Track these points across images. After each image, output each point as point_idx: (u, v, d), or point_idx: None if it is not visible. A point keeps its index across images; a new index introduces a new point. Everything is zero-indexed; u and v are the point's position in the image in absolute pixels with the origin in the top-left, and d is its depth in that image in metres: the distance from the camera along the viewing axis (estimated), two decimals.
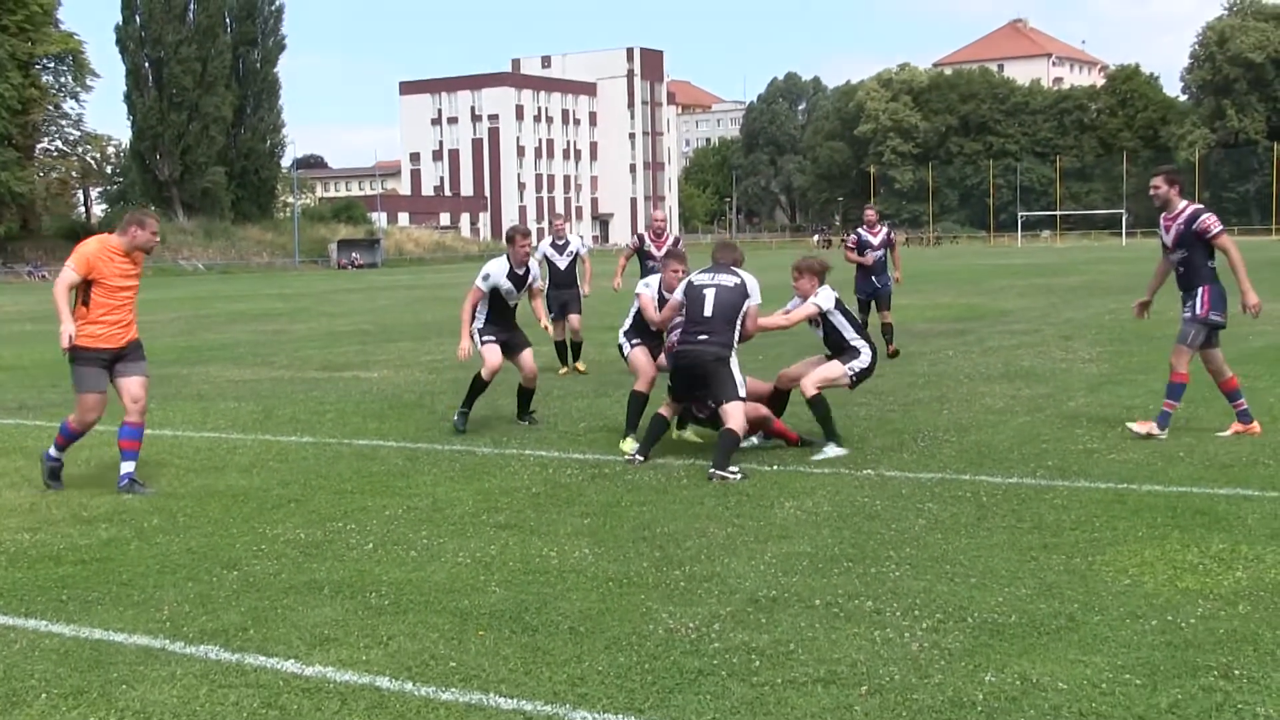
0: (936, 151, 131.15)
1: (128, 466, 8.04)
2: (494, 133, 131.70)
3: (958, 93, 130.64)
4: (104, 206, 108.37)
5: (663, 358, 9.34)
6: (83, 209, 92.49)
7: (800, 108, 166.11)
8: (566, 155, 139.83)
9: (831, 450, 8.71)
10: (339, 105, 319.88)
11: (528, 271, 10.11)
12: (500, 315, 10.03)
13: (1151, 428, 8.90)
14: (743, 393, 8.53)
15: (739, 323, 8.59)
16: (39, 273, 66.13)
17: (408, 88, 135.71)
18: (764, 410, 8.98)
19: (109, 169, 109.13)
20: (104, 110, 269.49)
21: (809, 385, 8.93)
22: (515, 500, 7.51)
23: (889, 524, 6.56)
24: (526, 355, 10.05)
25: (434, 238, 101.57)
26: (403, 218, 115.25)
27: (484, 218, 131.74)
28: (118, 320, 7.96)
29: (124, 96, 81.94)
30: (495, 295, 10.04)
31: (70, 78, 74.10)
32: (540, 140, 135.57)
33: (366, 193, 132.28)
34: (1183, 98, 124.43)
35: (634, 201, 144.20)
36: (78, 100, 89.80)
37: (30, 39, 68.99)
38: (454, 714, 4.04)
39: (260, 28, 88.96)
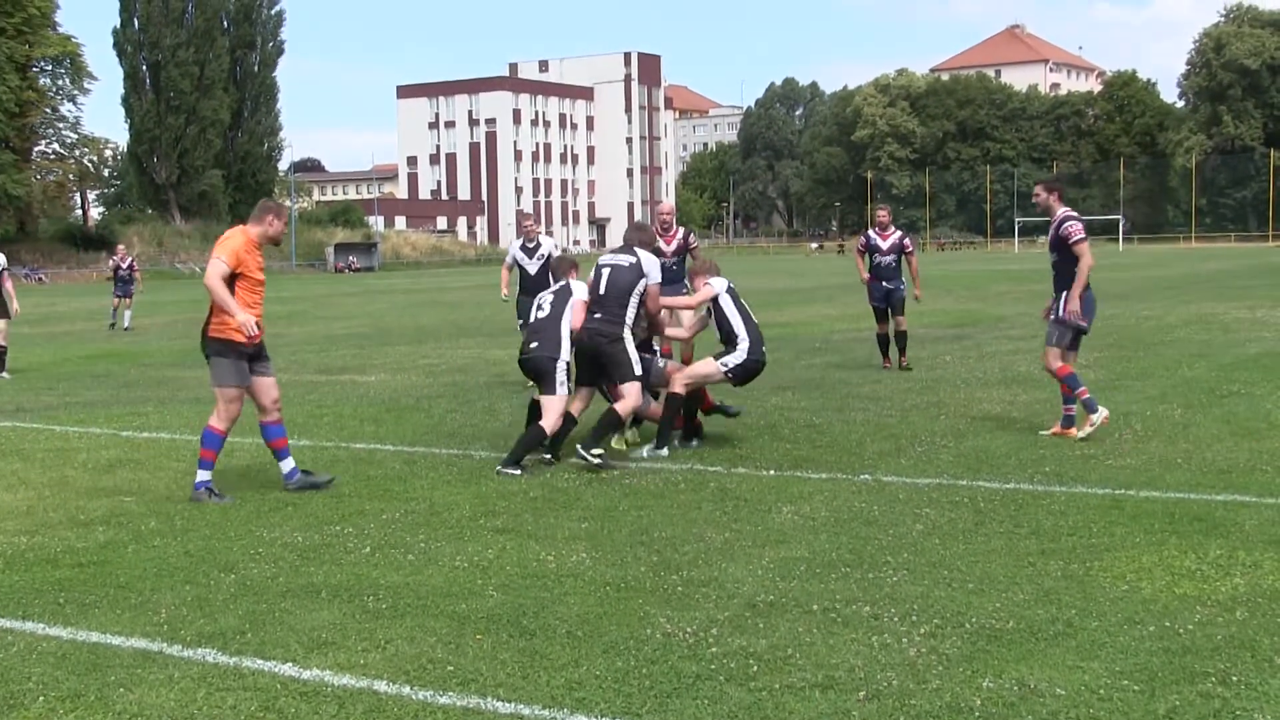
0: (934, 157, 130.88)
1: (288, 464, 7.99)
2: (491, 137, 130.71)
3: (955, 98, 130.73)
4: (101, 209, 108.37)
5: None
6: (80, 212, 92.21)
7: (798, 113, 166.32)
8: (564, 159, 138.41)
9: (649, 451, 8.90)
10: (337, 109, 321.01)
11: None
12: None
13: (1090, 420, 9.09)
14: (638, 371, 8.66)
15: (635, 303, 8.67)
16: (35, 276, 65.81)
17: (405, 91, 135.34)
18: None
19: (106, 172, 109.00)
20: (102, 113, 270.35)
21: (678, 381, 9.10)
22: (513, 504, 7.50)
23: (886, 529, 6.55)
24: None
25: (431, 242, 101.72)
26: (400, 221, 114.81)
27: (481, 222, 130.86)
28: (258, 315, 7.94)
29: (121, 99, 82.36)
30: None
31: (68, 80, 74.25)
32: (538, 144, 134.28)
33: (364, 196, 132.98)
34: (1179, 104, 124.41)
35: (631, 206, 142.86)
36: (75, 103, 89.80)
37: (28, 41, 69.06)
38: (452, 718, 4.01)
39: (259, 31, 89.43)
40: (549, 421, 8.75)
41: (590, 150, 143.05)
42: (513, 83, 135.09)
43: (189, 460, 9.13)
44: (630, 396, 8.56)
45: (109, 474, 8.63)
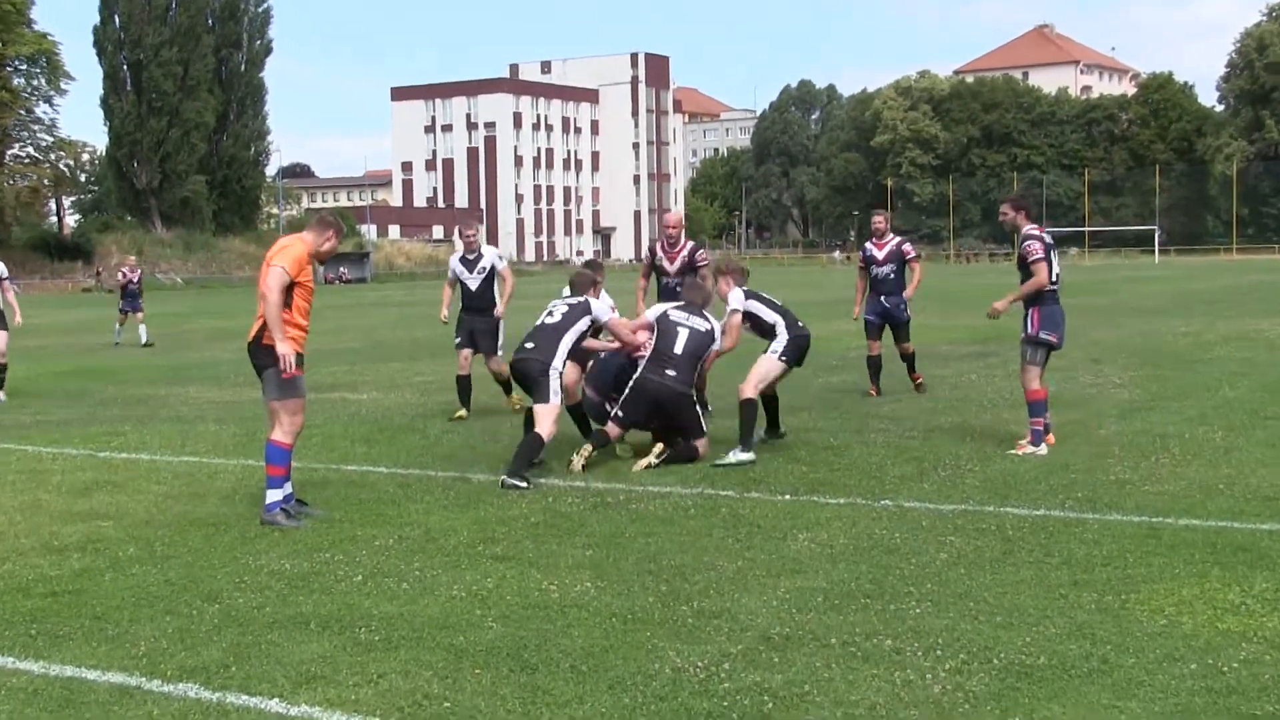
0: (958, 163, 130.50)
1: (278, 494, 7.83)
2: (490, 141, 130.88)
3: (980, 101, 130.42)
4: (77, 216, 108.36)
5: (586, 385, 10.12)
6: (55, 219, 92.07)
7: (814, 117, 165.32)
8: (567, 165, 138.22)
9: (736, 456, 9.41)
10: (328, 111, 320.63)
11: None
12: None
13: (1027, 447, 9.56)
14: (706, 428, 9.72)
15: (700, 364, 9.87)
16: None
17: (400, 94, 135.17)
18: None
19: (83, 177, 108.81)
20: (79, 115, 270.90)
21: (747, 387, 9.79)
22: (513, 530, 7.46)
23: (909, 558, 6.51)
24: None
25: (426, 251, 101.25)
26: (393, 230, 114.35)
27: (479, 231, 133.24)
28: (308, 325, 8.01)
29: (100, 100, 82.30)
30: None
31: (44, 80, 73.99)
32: (539, 149, 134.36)
33: (356, 204, 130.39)
34: (1219, 108, 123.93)
35: (638, 215, 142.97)
36: (51, 104, 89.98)
37: (1, 39, 68.75)
38: None
39: (245, 30, 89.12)
40: (545, 429, 9.11)
41: (595, 156, 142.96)
42: (513, 84, 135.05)
43: (170, 483, 9.07)
44: (701, 450, 9.52)
45: (85, 497, 8.55)
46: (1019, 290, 9.81)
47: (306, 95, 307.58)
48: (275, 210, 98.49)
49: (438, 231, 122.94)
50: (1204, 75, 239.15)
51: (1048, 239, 9.91)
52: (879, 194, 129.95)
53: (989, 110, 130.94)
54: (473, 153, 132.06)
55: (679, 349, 9.75)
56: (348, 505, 8.29)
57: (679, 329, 9.86)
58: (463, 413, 12.44)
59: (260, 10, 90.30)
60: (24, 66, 73.50)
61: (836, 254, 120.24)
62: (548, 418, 9.17)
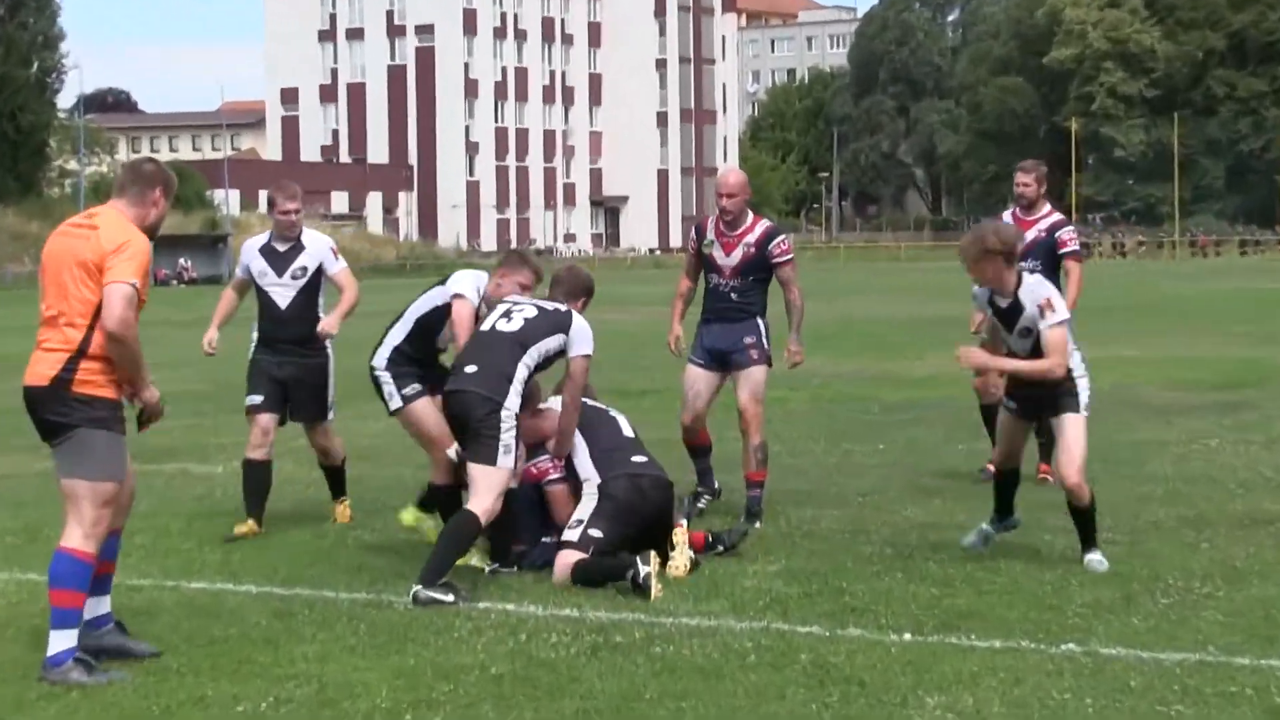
0: (1187, 95, 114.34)
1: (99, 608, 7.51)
2: (425, 56, 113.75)
3: None
4: None
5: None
6: None
7: (950, 19, 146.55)
8: (549, 97, 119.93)
9: (1098, 561, 9.21)
10: (160, 11, 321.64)
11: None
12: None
13: None
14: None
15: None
16: None
17: None
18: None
19: None
20: None
21: (1073, 470, 9.48)
22: (461, 687, 6.92)
23: None
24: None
25: (323, 234, 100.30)
26: (267, 200, 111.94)
27: (406, 201, 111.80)
28: None
29: None
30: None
31: None
32: (505, 69, 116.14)
33: (205, 156, 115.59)
34: None
35: (663, 176, 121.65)
36: None
37: None
38: None
39: None
40: (483, 503, 8.76)
41: (594, 81, 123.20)
42: None
43: None
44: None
45: None
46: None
47: None
48: (74, 164, 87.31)
49: (339, 202, 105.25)
50: None
51: None
52: (1054, 143, 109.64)
53: (1242, 6, 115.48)
54: (397, 75, 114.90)
55: (629, 432, 10.03)
56: (193, 647, 7.62)
57: (609, 414, 10.12)
58: (250, 525, 11.15)
59: None
60: None
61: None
62: (488, 487, 8.82)
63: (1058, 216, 13.05)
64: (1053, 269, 12.72)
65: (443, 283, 10.01)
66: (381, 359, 10.10)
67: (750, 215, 11.24)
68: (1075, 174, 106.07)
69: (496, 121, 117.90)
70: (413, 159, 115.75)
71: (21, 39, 75.59)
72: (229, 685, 7.17)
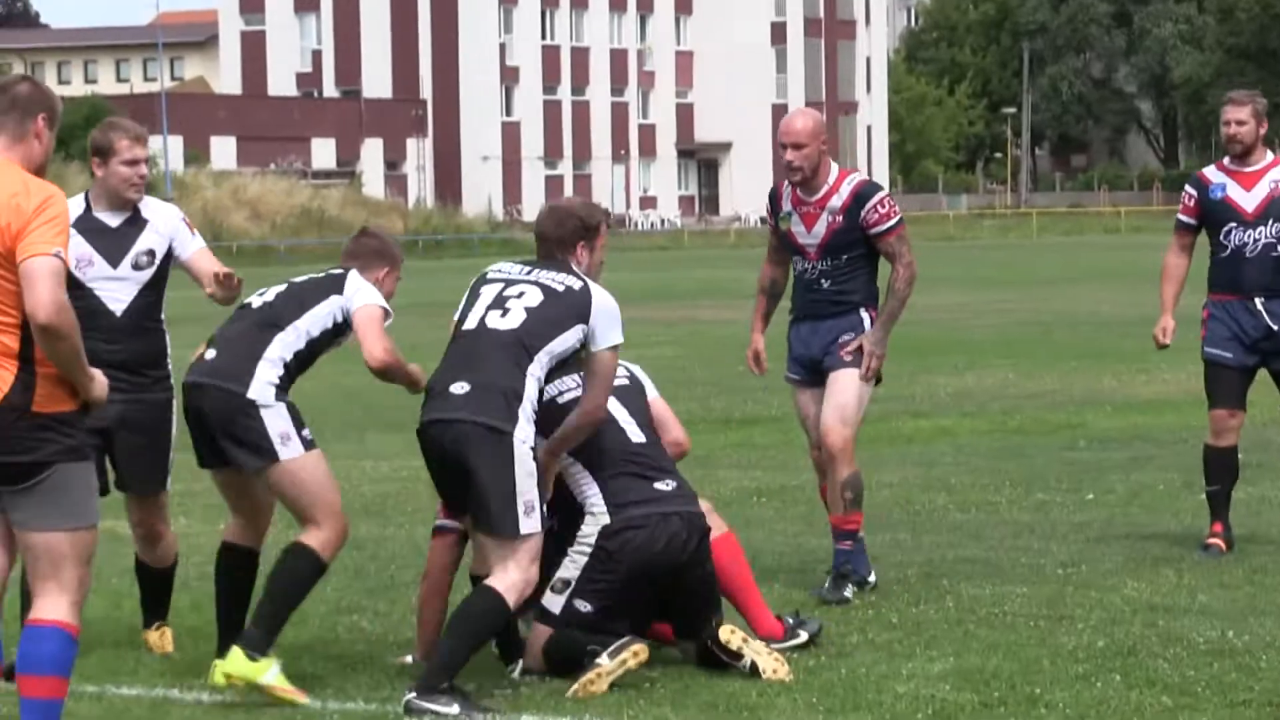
0: None
1: None
2: None
3: None
4: None
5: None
6: None
7: None
8: (618, 2, 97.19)
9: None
10: None
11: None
12: None
13: None
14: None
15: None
16: None
17: None
18: None
19: None
20: None
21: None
22: None
23: None
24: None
25: (300, 197, 76.62)
26: (223, 148, 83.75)
27: (418, 150, 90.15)
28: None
29: None
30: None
31: None
32: None
33: (134, 89, 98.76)
34: None
35: (780, 115, 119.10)
36: None
37: None
38: None
39: None
40: (509, 580, 7.60)
41: None
42: None
43: None
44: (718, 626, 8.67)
45: None
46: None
47: None
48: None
49: (323, 153, 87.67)
50: None
51: None
52: None
53: None
54: None
55: (639, 435, 8.27)
56: None
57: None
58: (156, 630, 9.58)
59: None
60: None
61: None
62: (517, 558, 7.56)
63: None
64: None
65: (335, 281, 8.47)
66: (266, 386, 8.48)
67: (835, 170, 9.82)
68: None
69: (544, 38, 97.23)
70: (426, 92, 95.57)
71: None
72: None
